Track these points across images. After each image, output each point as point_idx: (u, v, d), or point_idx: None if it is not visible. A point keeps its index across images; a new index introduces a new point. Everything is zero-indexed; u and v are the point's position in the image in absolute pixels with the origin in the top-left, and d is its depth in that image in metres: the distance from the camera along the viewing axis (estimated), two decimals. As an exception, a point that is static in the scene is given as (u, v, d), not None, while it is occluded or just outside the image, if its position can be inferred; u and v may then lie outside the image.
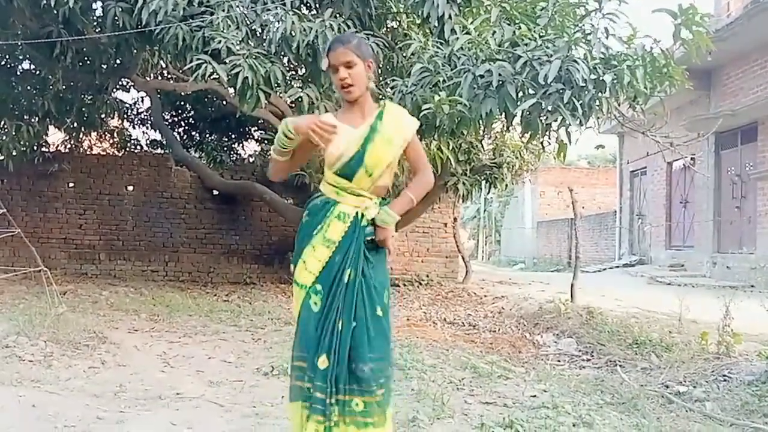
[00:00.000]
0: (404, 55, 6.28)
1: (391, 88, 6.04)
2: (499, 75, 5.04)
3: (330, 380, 2.53)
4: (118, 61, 9.19)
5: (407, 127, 2.77)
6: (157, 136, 13.16)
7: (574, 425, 3.66)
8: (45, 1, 6.38)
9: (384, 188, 2.78)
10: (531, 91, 5.07)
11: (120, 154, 12.72)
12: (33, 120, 10.13)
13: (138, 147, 13.34)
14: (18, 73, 10.09)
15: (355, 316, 2.58)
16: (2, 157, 9.93)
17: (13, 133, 9.76)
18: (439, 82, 5.42)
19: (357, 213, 2.66)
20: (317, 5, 6.69)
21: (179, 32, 5.98)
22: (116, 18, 6.49)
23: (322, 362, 2.55)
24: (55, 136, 12.09)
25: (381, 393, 2.59)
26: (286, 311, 7.97)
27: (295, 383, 2.66)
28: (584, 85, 4.94)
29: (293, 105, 8.59)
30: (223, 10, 5.98)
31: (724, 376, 4.71)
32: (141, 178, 11.90)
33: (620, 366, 5.37)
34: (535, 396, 4.31)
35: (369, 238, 2.66)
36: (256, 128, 13.02)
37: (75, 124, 10.96)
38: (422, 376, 4.70)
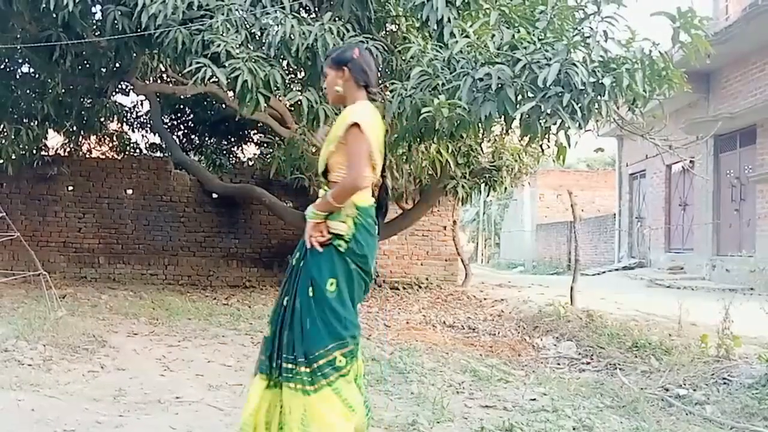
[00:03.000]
0: (403, 58, 6.29)
1: (391, 91, 6.04)
2: (498, 78, 5.04)
3: (274, 346, 2.90)
4: (117, 65, 9.19)
5: (343, 123, 2.87)
6: (157, 139, 13.17)
7: (574, 429, 3.66)
8: (44, 5, 6.38)
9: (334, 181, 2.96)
10: (530, 95, 5.07)
11: (119, 158, 12.73)
12: (32, 123, 10.14)
13: (137, 150, 13.37)
14: (17, 76, 10.10)
15: (297, 293, 2.88)
16: (2, 161, 9.95)
17: (13, 137, 9.76)
18: (439, 86, 5.43)
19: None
20: (316, 9, 6.70)
21: (179, 36, 5.99)
22: (116, 21, 6.50)
23: (267, 332, 2.98)
24: (55, 140, 12.10)
25: (307, 367, 2.80)
26: (286, 314, 7.95)
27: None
28: (583, 88, 4.95)
29: (292, 108, 8.61)
30: (223, 14, 5.99)
31: (724, 379, 4.71)
32: (140, 182, 11.90)
33: (620, 369, 5.37)
34: (534, 399, 4.31)
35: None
36: (255, 131, 13.03)
37: (74, 128, 10.96)
38: (422, 379, 4.70)
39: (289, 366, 2.80)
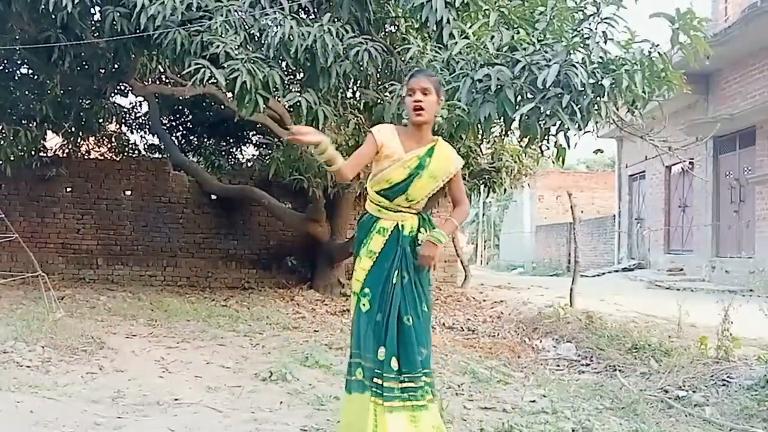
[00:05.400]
0: (403, 59, 6.28)
1: (390, 92, 6.04)
2: (498, 79, 5.04)
3: (388, 368, 2.88)
4: (116, 66, 9.17)
5: (453, 164, 3.13)
6: (155, 140, 13.16)
7: (573, 430, 3.65)
8: (43, 6, 6.36)
9: (421, 206, 3.17)
10: (529, 96, 5.07)
11: (118, 159, 12.71)
12: (31, 125, 10.12)
13: (136, 151, 13.34)
14: (16, 77, 10.09)
15: (409, 311, 2.96)
16: (0, 162, 9.92)
17: (11, 138, 9.74)
18: (438, 87, 5.41)
19: (397, 225, 3.07)
20: (315, 10, 6.69)
21: (177, 37, 5.97)
22: (114, 23, 6.49)
23: (381, 354, 2.91)
24: (53, 141, 12.08)
25: (430, 378, 3.00)
26: (285, 316, 7.96)
27: (348, 377, 3.02)
28: (583, 89, 4.94)
29: (291, 109, 8.59)
30: (222, 15, 5.98)
31: (724, 380, 4.70)
32: (139, 183, 11.89)
33: (619, 371, 5.36)
34: (534, 401, 4.30)
35: (418, 247, 3.06)
36: (254, 133, 13.02)
37: (73, 129, 10.94)
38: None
39: (412, 385, 2.89)
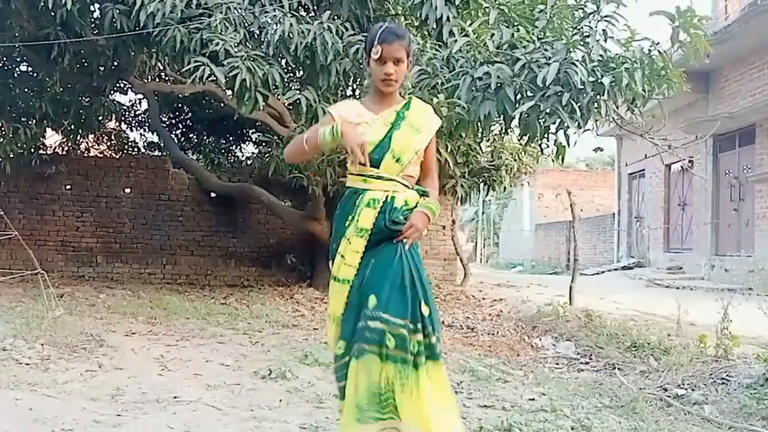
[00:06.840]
0: (402, 57, 6.27)
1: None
2: (498, 77, 5.04)
3: (423, 325, 2.52)
4: (115, 64, 9.18)
5: (432, 121, 2.83)
6: (155, 138, 13.15)
7: (572, 429, 3.65)
8: (42, 3, 6.36)
9: (413, 179, 2.77)
10: (529, 94, 5.07)
11: (117, 157, 12.71)
12: (30, 122, 10.13)
13: (135, 149, 13.35)
14: (15, 75, 10.08)
15: (419, 269, 2.59)
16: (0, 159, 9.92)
17: (11, 136, 9.76)
18: (438, 85, 5.43)
19: (386, 197, 2.63)
20: (315, 7, 6.68)
21: (177, 34, 5.97)
22: (114, 20, 6.49)
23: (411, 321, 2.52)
24: (53, 139, 12.09)
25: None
26: (284, 314, 7.95)
27: (341, 384, 2.61)
28: (582, 87, 4.94)
29: (291, 107, 8.60)
30: (221, 13, 5.98)
31: (723, 379, 4.70)
32: (138, 181, 11.88)
33: (619, 369, 5.36)
34: (533, 399, 4.30)
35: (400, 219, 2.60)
36: (253, 130, 13.01)
37: (72, 127, 10.96)
38: (420, 379, 4.67)
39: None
